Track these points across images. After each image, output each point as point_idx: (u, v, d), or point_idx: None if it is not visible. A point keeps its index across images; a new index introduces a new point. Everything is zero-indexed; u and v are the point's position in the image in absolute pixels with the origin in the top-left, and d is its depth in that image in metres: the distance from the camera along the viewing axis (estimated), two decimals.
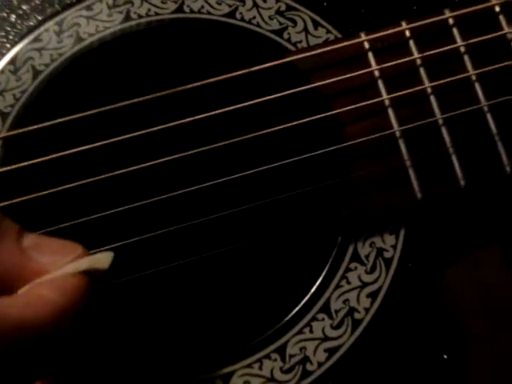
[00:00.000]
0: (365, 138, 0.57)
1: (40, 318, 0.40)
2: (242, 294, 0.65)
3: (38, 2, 0.61)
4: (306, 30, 0.60)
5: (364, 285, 0.57)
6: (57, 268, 0.44)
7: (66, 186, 0.54)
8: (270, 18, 0.61)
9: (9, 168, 0.55)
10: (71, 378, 0.54)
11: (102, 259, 0.46)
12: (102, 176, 0.55)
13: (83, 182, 0.55)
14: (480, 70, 0.58)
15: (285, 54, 0.58)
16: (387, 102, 0.57)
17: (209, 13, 0.61)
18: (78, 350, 0.54)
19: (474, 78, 0.58)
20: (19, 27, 0.60)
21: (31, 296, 0.42)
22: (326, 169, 0.58)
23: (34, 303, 0.41)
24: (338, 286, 0.57)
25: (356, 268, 0.57)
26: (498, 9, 0.59)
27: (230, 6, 0.61)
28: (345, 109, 0.57)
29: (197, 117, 0.56)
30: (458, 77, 0.58)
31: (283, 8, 0.61)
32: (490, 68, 0.58)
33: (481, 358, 0.59)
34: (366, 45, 0.58)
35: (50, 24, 0.60)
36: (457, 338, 0.57)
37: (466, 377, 0.56)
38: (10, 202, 0.53)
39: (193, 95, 0.57)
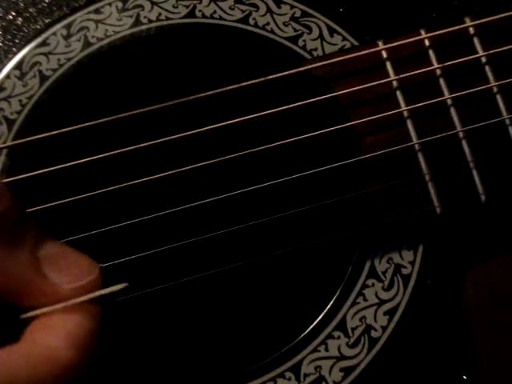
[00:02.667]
0: (383, 151, 0.55)
1: (51, 377, 0.39)
2: (256, 310, 0.64)
3: (45, 5, 0.59)
4: (321, 37, 0.59)
5: (381, 302, 0.56)
6: (67, 291, 0.42)
7: (71, 199, 0.53)
8: (285, 24, 0.59)
9: (15, 178, 0.53)
10: None
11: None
12: (109, 188, 0.54)
13: (89, 194, 0.54)
14: (502, 82, 0.56)
15: (302, 63, 0.57)
16: (406, 114, 0.56)
17: (221, 18, 0.59)
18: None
19: (495, 89, 0.57)
20: (26, 30, 0.59)
21: (38, 348, 0.40)
22: (343, 182, 0.57)
23: (43, 359, 0.39)
24: (355, 302, 0.56)
25: (373, 284, 0.56)
26: None
27: (243, 11, 0.59)
28: (362, 120, 0.56)
29: (209, 127, 0.55)
30: (478, 88, 0.56)
31: (298, 14, 0.59)
32: None
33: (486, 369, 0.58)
34: (384, 54, 0.57)
35: (58, 27, 0.59)
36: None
37: None
38: None
39: (205, 104, 0.55)
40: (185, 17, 0.59)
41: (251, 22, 0.59)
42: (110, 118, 0.54)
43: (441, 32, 0.57)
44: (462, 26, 0.57)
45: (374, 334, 0.55)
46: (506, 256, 0.59)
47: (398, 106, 0.56)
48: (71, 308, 0.42)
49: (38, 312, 0.42)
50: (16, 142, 0.55)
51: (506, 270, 0.60)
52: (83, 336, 0.41)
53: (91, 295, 0.43)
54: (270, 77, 0.55)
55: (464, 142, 0.56)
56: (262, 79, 0.55)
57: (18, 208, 0.44)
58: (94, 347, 0.42)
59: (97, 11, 0.59)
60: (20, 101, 0.57)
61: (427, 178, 0.56)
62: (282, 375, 0.54)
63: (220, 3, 0.59)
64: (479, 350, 0.57)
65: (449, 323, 0.56)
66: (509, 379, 0.59)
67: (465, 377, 0.54)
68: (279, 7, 0.59)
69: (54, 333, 0.41)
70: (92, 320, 0.42)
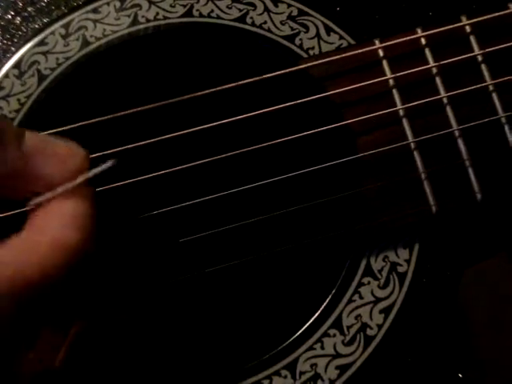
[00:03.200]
0: (379, 150, 0.55)
1: (62, 261, 0.40)
2: (253, 308, 0.64)
3: (43, 4, 0.59)
4: (318, 35, 0.59)
5: (377, 300, 0.56)
6: (59, 181, 0.43)
7: None
8: (282, 23, 0.59)
9: None
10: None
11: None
12: (106, 187, 0.54)
13: None
14: (497, 80, 0.56)
15: (298, 61, 0.57)
16: (402, 112, 0.56)
17: (218, 17, 0.60)
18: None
19: (491, 88, 0.57)
20: (24, 30, 0.59)
21: (44, 237, 0.41)
22: (339, 181, 0.57)
23: (52, 247, 0.40)
24: (351, 300, 0.56)
25: (369, 282, 0.56)
26: None
27: (240, 10, 0.60)
28: (358, 119, 0.56)
29: (205, 126, 0.55)
30: (474, 87, 0.56)
31: (295, 13, 0.60)
32: (508, 78, 0.56)
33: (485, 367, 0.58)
34: (381, 52, 0.57)
35: (56, 27, 0.59)
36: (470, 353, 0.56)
37: None
38: (18, 211, 0.52)
39: (202, 102, 0.56)
40: (182, 16, 0.60)
41: (248, 20, 0.59)
42: (108, 117, 0.55)
43: (437, 30, 0.57)
44: (458, 24, 0.57)
45: (369, 332, 0.55)
46: (503, 255, 0.59)
47: (394, 105, 0.56)
48: (66, 193, 0.42)
49: (36, 200, 0.43)
50: None
51: (503, 268, 0.60)
52: (83, 217, 0.42)
53: (82, 178, 0.43)
54: (266, 76, 0.56)
55: (460, 141, 0.56)
56: (258, 78, 0.55)
57: None
58: (94, 228, 0.43)
59: (95, 11, 0.59)
60: (18, 100, 0.57)
61: (423, 176, 0.56)
62: (277, 373, 0.54)
63: (217, 2, 0.60)
64: (477, 348, 0.57)
65: (444, 321, 0.56)
66: (507, 377, 0.59)
67: (460, 375, 0.55)
68: (276, 6, 0.60)
69: (55, 219, 0.42)
70: (87, 201, 0.43)
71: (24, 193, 0.43)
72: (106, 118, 0.55)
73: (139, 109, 0.55)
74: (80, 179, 0.43)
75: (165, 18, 0.59)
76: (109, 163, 0.45)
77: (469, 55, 0.57)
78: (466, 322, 0.57)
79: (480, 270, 0.58)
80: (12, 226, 0.43)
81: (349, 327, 0.55)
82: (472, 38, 0.57)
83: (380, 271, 0.56)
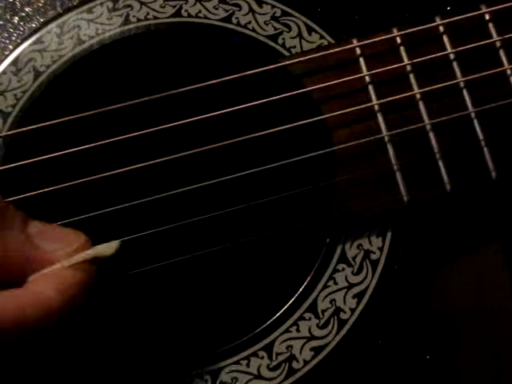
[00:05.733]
0: (354, 142, 0.58)
1: (35, 316, 0.41)
2: (231, 292, 0.67)
3: (40, 5, 0.62)
4: (300, 35, 0.61)
5: (350, 286, 0.58)
6: (62, 256, 0.45)
7: (66, 184, 0.56)
8: (266, 23, 0.62)
9: (9, 166, 0.56)
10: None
11: (108, 248, 0.47)
12: (100, 175, 0.56)
13: (80, 180, 0.56)
14: (468, 77, 0.59)
15: (278, 59, 0.60)
16: (377, 107, 0.58)
17: (206, 17, 0.62)
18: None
19: (462, 84, 0.59)
20: (22, 29, 0.61)
21: (28, 292, 0.43)
22: (316, 171, 0.59)
23: (30, 300, 0.42)
24: (326, 286, 0.57)
25: (343, 269, 0.58)
26: (487, 17, 0.60)
27: (226, 10, 0.62)
28: (335, 113, 0.58)
29: (190, 119, 0.57)
30: (446, 83, 0.58)
31: (278, 14, 0.62)
32: (478, 75, 0.59)
33: (471, 356, 0.59)
34: (358, 50, 0.59)
35: (52, 26, 0.61)
36: (443, 339, 0.58)
37: (452, 377, 0.57)
38: (14, 198, 0.55)
39: (188, 97, 0.58)
40: (171, 16, 0.62)
41: (234, 20, 0.62)
42: (99, 110, 0.57)
43: (412, 30, 0.59)
44: (432, 24, 0.59)
45: (343, 315, 0.57)
46: (492, 245, 0.60)
47: (370, 100, 0.58)
48: (68, 265, 0.45)
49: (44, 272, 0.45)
50: (10, 132, 0.58)
51: (490, 258, 0.61)
52: (72, 285, 0.44)
53: (87, 254, 0.45)
54: (248, 72, 0.58)
55: (431, 134, 0.58)
56: (241, 74, 0.58)
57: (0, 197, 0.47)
58: (83, 299, 0.44)
59: (89, 11, 0.62)
60: (15, 95, 0.59)
61: (395, 168, 0.58)
62: (255, 354, 0.56)
63: (205, 3, 0.62)
64: (464, 336, 0.59)
65: (414, 306, 0.58)
66: (493, 361, 0.60)
67: (428, 357, 0.56)
68: (261, 7, 0.62)
69: (46, 281, 0.44)
70: (85, 273, 0.45)
71: (29, 272, 0.45)
72: (97, 111, 0.57)
73: (127, 103, 0.57)
74: (81, 255, 0.45)
75: (155, 17, 0.62)
76: (113, 243, 0.48)
77: (442, 53, 0.59)
78: (451, 310, 0.59)
79: (467, 260, 0.60)
80: None
81: (323, 311, 0.57)
82: (445, 38, 0.60)
83: (354, 258, 0.58)
